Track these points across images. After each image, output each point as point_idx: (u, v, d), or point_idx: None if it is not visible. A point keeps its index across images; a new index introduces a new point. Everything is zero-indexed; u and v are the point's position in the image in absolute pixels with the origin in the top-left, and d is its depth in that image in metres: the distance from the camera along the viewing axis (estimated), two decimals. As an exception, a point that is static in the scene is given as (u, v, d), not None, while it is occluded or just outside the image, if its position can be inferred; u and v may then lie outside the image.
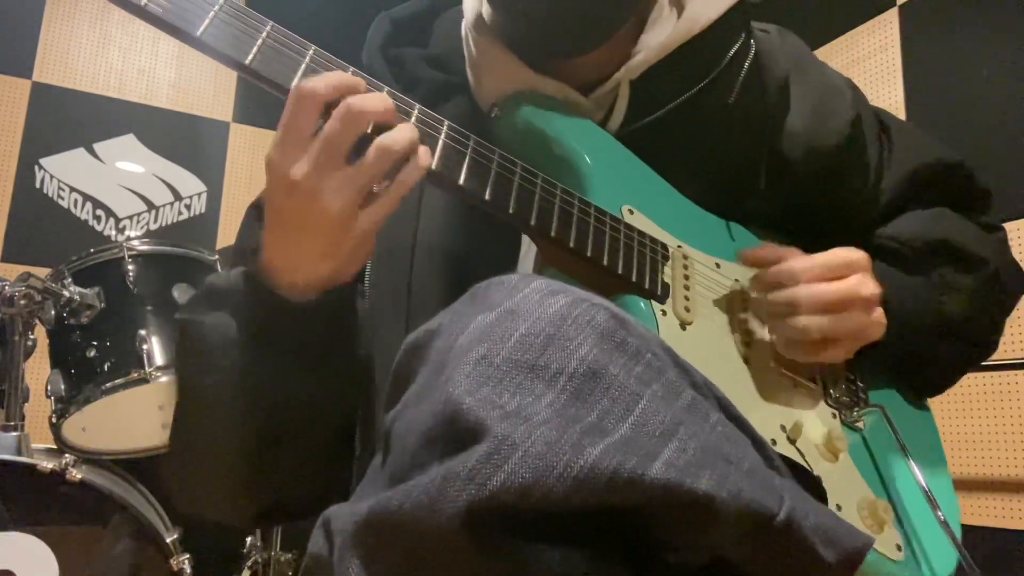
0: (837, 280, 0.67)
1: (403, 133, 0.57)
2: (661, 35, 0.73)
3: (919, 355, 0.78)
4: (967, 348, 0.81)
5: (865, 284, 0.68)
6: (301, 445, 0.65)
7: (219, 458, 0.65)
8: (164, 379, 1.55)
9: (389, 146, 0.56)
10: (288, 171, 0.55)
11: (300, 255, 0.59)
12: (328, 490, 0.70)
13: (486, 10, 0.74)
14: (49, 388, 1.56)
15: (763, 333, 0.72)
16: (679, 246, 0.71)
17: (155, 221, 2.92)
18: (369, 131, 0.57)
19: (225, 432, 0.63)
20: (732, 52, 0.75)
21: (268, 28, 0.58)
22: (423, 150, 0.58)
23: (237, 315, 0.61)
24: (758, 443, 0.45)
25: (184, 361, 0.65)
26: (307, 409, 0.63)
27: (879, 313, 0.72)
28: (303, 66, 0.58)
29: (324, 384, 0.64)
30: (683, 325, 0.66)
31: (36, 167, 2.77)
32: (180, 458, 0.69)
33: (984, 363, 0.86)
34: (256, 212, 0.76)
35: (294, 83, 0.57)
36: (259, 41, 0.57)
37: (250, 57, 0.57)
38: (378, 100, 0.57)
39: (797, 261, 0.68)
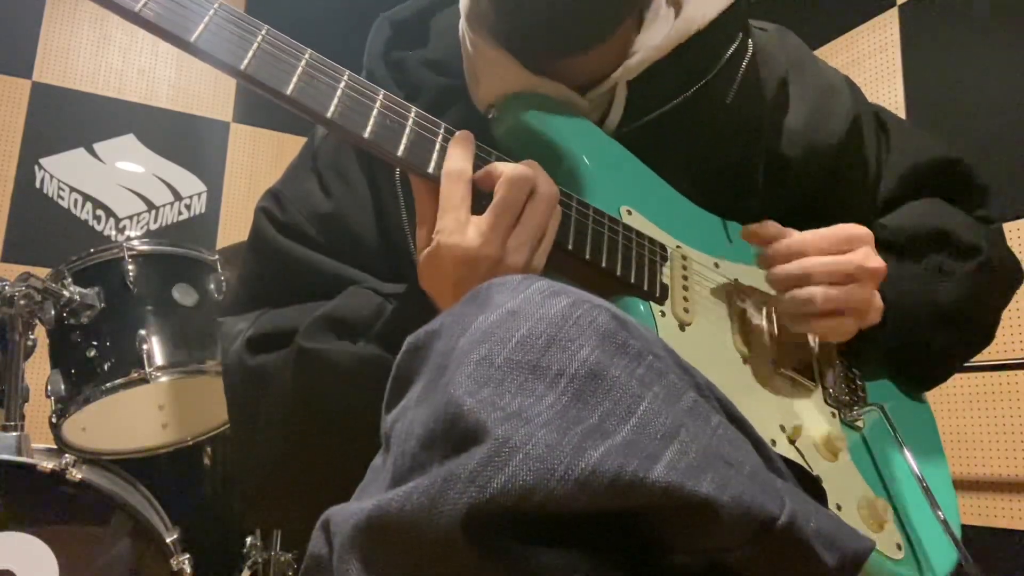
0: (843, 253, 0.68)
1: (550, 183, 0.61)
2: (658, 35, 0.73)
3: (915, 344, 0.78)
4: (963, 337, 0.81)
5: (871, 257, 0.69)
6: None
7: (332, 473, 0.66)
8: (164, 379, 1.55)
9: (552, 196, 0.60)
10: (475, 247, 0.58)
11: None
12: None
13: (483, 8, 0.74)
14: (49, 388, 1.56)
15: (762, 332, 0.72)
16: (678, 246, 0.71)
17: (155, 221, 2.92)
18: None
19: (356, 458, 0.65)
20: (730, 52, 0.75)
21: (263, 33, 0.58)
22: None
23: (393, 345, 0.63)
24: (759, 444, 0.45)
25: (312, 391, 0.66)
26: None
27: (877, 298, 0.72)
28: (299, 71, 0.58)
29: None
30: (682, 326, 0.66)
31: (36, 167, 2.77)
32: (286, 482, 0.71)
33: (984, 363, 0.86)
34: (266, 218, 0.76)
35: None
36: (254, 46, 0.57)
37: (245, 62, 0.56)
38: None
39: (804, 234, 0.69)
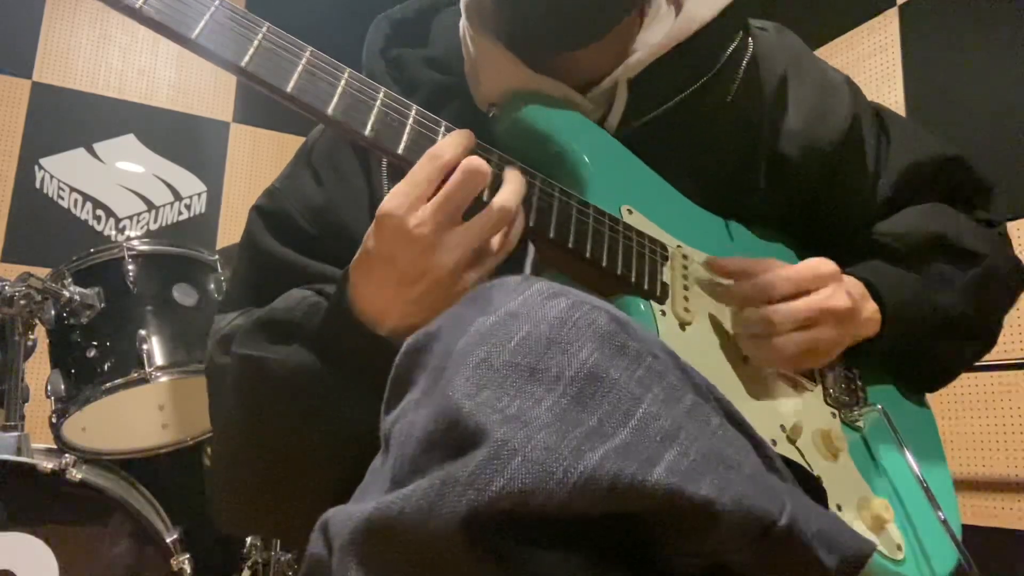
0: (808, 294, 0.67)
1: (517, 197, 0.59)
2: (659, 34, 0.73)
3: (916, 350, 0.77)
4: (964, 343, 0.81)
5: (835, 296, 0.68)
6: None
7: (290, 489, 0.66)
8: (164, 379, 1.55)
9: (508, 208, 0.58)
10: (411, 223, 0.56)
11: (397, 303, 0.60)
12: None
13: (484, 6, 0.74)
14: (49, 388, 1.56)
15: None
16: (678, 246, 0.71)
17: (155, 221, 2.92)
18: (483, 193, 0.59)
19: (298, 465, 0.64)
20: (730, 51, 0.75)
21: (264, 30, 0.58)
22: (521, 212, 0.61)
23: (322, 349, 0.62)
24: (759, 445, 0.45)
25: (249, 396, 0.66)
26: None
27: (871, 310, 0.72)
28: (299, 68, 0.58)
29: None
30: (682, 325, 0.66)
31: (36, 167, 2.77)
32: (239, 489, 0.70)
33: (984, 363, 0.86)
34: (261, 219, 0.76)
35: (432, 148, 0.59)
36: (255, 43, 0.57)
37: (246, 59, 0.56)
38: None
39: (768, 276, 0.68)
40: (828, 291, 0.68)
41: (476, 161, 0.58)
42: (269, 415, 0.65)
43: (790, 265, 0.69)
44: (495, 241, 0.60)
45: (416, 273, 0.58)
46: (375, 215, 0.58)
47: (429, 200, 0.57)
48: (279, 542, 1.76)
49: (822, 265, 0.69)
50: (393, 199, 0.57)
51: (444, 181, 0.58)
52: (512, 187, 0.60)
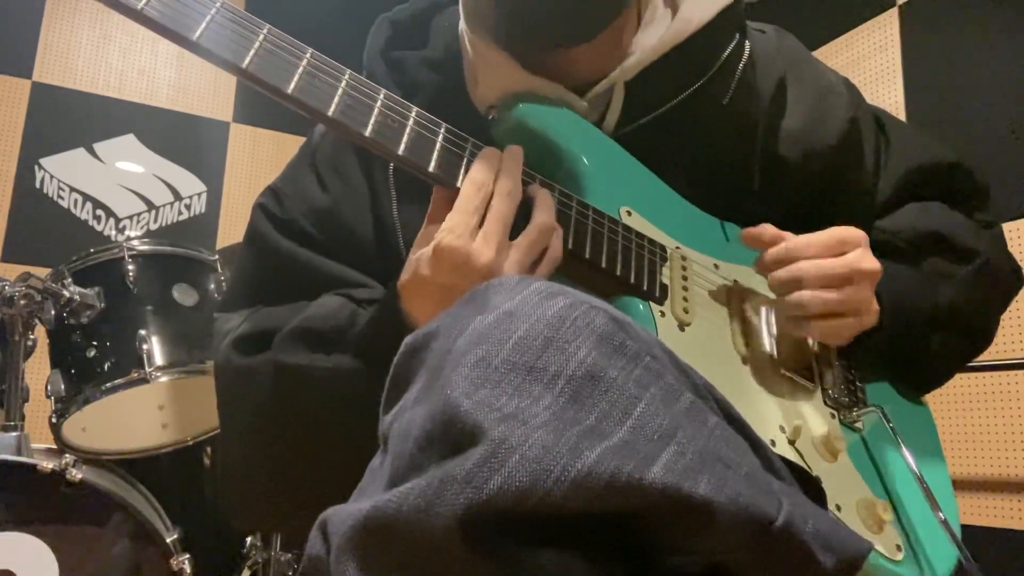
0: (838, 256, 0.68)
1: (552, 211, 0.62)
2: (655, 36, 0.73)
3: (913, 346, 0.78)
4: (961, 339, 0.81)
5: (865, 258, 0.69)
6: None
7: (320, 491, 0.67)
8: (164, 379, 1.55)
9: (550, 224, 0.61)
10: (473, 255, 0.58)
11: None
12: None
13: (483, 8, 0.74)
14: (49, 388, 1.55)
15: (762, 333, 0.72)
16: (677, 247, 0.71)
17: (155, 221, 2.92)
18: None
19: (331, 470, 0.65)
20: (726, 53, 0.75)
21: (265, 31, 0.58)
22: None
23: (372, 359, 0.64)
24: (757, 446, 0.45)
25: (290, 404, 0.67)
26: None
27: (874, 300, 0.72)
28: (300, 69, 0.58)
29: None
30: (682, 326, 0.66)
31: (36, 167, 2.77)
32: (262, 490, 0.71)
33: (984, 363, 0.86)
34: (266, 217, 0.77)
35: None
36: (256, 45, 0.57)
37: (247, 61, 0.57)
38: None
39: (798, 238, 0.69)
40: (858, 252, 0.69)
41: (513, 185, 0.61)
42: (311, 422, 0.66)
43: (818, 232, 0.70)
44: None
45: None
46: (433, 249, 0.59)
47: (480, 226, 0.59)
48: (279, 542, 1.76)
49: (850, 230, 0.70)
50: (451, 233, 0.58)
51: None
52: (546, 203, 0.62)
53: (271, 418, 0.68)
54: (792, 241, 0.69)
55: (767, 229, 0.71)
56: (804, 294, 0.67)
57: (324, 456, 0.66)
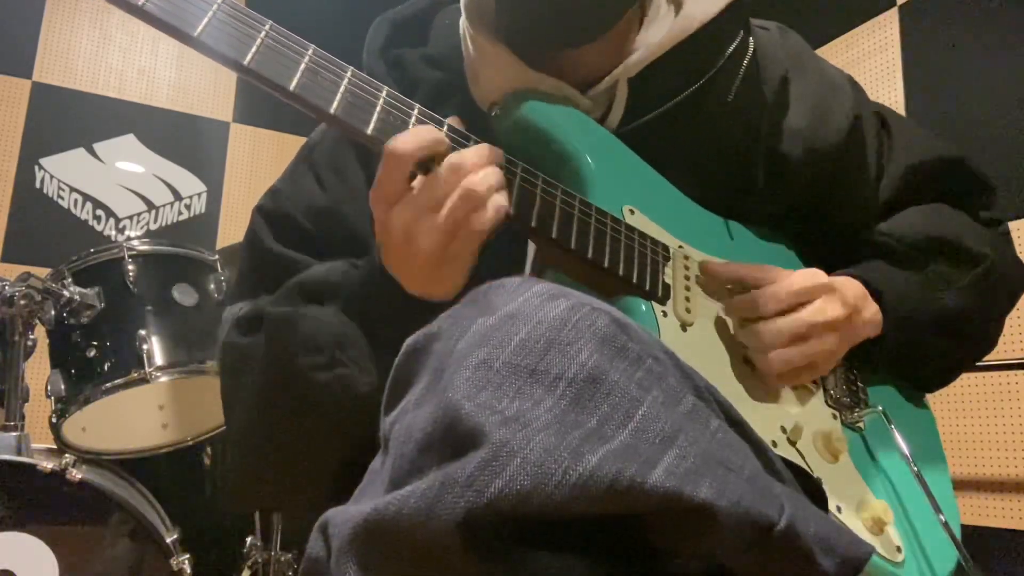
0: (799, 308, 0.68)
1: (487, 178, 0.60)
2: (659, 33, 0.73)
3: (918, 351, 0.77)
4: (966, 343, 0.81)
5: (824, 309, 0.68)
6: None
7: (318, 452, 0.66)
8: (164, 379, 1.55)
9: (473, 190, 0.59)
10: (388, 219, 0.60)
11: (411, 277, 0.62)
12: None
13: (484, 5, 0.74)
14: (49, 388, 1.55)
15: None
16: (680, 246, 0.71)
17: (155, 221, 2.91)
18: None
19: (327, 427, 0.65)
20: (730, 50, 0.75)
21: (267, 28, 0.58)
22: (500, 195, 0.61)
23: (362, 308, 0.65)
24: (759, 448, 0.45)
25: (282, 353, 0.66)
26: None
27: (872, 312, 0.72)
28: (302, 66, 0.58)
29: None
30: (684, 326, 0.66)
31: (36, 167, 2.76)
32: (267, 452, 0.70)
33: (984, 363, 0.85)
34: (266, 221, 0.77)
35: (390, 144, 0.59)
36: (258, 41, 0.57)
37: (249, 57, 0.56)
38: (477, 153, 0.61)
39: (756, 293, 0.68)
40: (818, 303, 0.68)
41: (456, 159, 0.60)
42: (303, 367, 0.64)
43: (781, 276, 0.69)
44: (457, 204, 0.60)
45: (404, 256, 0.62)
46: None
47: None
48: (279, 542, 1.76)
49: (811, 277, 0.69)
50: (372, 195, 0.61)
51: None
52: (487, 175, 0.60)
53: (267, 376, 0.67)
54: (752, 295, 0.68)
55: (726, 269, 0.70)
56: (767, 356, 0.66)
57: (320, 410, 0.65)
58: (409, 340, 0.46)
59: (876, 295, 0.73)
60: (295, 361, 0.64)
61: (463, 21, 0.76)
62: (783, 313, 0.67)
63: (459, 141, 0.63)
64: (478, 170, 0.59)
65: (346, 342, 0.64)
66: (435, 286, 0.62)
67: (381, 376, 0.62)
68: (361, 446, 0.63)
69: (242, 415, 0.71)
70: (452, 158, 0.59)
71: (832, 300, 0.69)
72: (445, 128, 0.63)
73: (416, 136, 0.58)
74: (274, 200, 0.78)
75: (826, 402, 0.73)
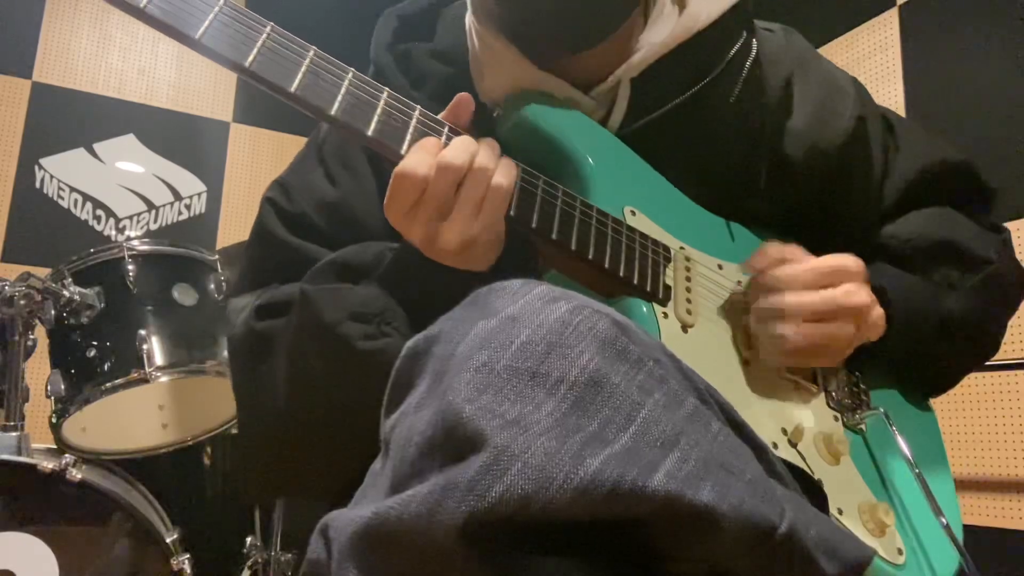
0: (825, 288, 0.66)
1: (483, 161, 0.61)
2: (662, 32, 0.73)
3: (921, 354, 0.77)
4: (969, 348, 0.81)
5: (854, 294, 0.67)
6: None
7: (338, 426, 0.66)
8: (164, 379, 1.55)
9: (449, 163, 0.60)
10: (408, 232, 0.62)
11: (446, 262, 0.63)
12: None
13: (490, 3, 0.74)
14: (49, 388, 1.55)
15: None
16: (681, 247, 0.71)
17: (155, 221, 2.91)
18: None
19: (369, 399, 0.64)
20: (733, 51, 0.75)
21: (268, 30, 0.58)
22: (506, 166, 0.62)
23: (395, 282, 0.65)
24: (760, 450, 0.45)
25: (322, 324, 0.65)
26: None
27: (877, 314, 0.71)
28: (303, 68, 0.58)
29: None
30: (685, 327, 0.66)
31: (36, 167, 2.76)
32: (300, 434, 0.69)
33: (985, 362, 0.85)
34: (273, 209, 0.78)
35: (398, 169, 0.61)
36: (259, 43, 0.57)
37: (250, 59, 0.56)
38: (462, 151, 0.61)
39: (788, 268, 0.67)
40: (850, 287, 0.67)
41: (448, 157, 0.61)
42: (347, 336, 0.64)
43: (815, 257, 0.68)
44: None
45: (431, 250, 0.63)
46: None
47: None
48: (279, 542, 1.76)
49: (846, 260, 0.68)
50: (387, 204, 0.62)
51: None
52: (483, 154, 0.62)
53: (300, 351, 0.67)
54: (783, 269, 0.67)
55: (765, 252, 0.70)
56: (780, 327, 0.65)
57: (359, 392, 0.63)
58: (409, 343, 0.46)
59: (881, 297, 0.73)
60: (336, 330, 0.63)
61: (469, 17, 0.76)
62: (811, 288, 0.66)
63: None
64: (471, 162, 0.61)
65: (390, 313, 0.64)
66: (472, 264, 0.63)
67: None
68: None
69: (268, 400, 0.69)
70: (441, 161, 0.60)
71: (861, 287, 0.68)
72: (445, 131, 0.62)
73: (421, 160, 0.60)
74: (284, 194, 0.78)
75: (828, 404, 0.72)
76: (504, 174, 0.62)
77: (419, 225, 0.61)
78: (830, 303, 0.66)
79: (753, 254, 0.71)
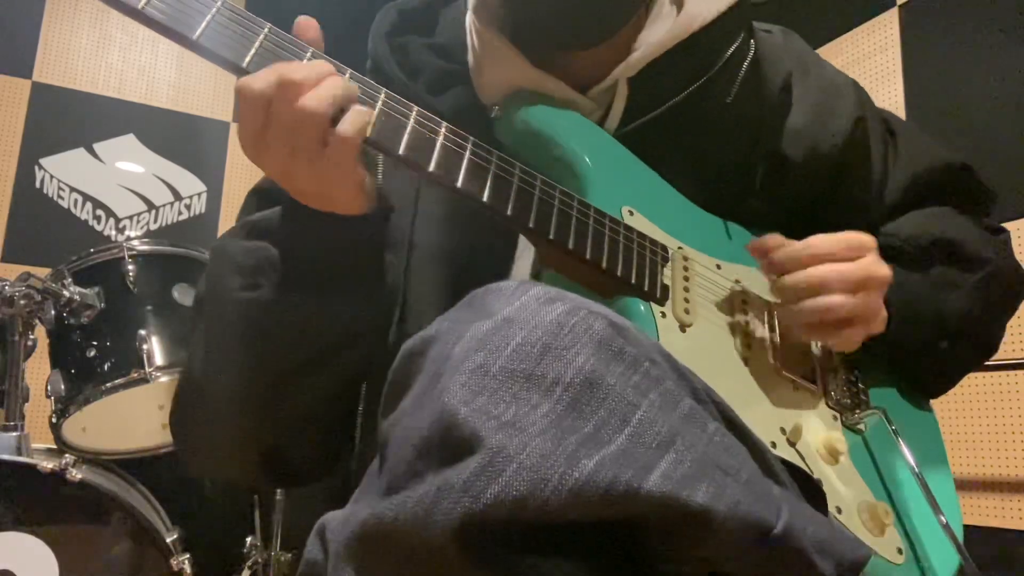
0: (854, 260, 0.67)
1: (319, 88, 0.56)
2: (660, 31, 0.73)
3: (920, 353, 0.77)
4: (968, 347, 0.81)
5: (879, 264, 0.68)
6: (320, 380, 0.66)
7: (241, 384, 0.65)
8: (164, 379, 1.55)
9: (290, 79, 0.55)
10: (261, 165, 0.59)
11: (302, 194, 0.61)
12: (327, 457, 0.71)
13: (491, 1, 0.74)
14: (49, 388, 1.56)
15: (764, 334, 0.71)
16: (679, 247, 0.71)
17: (155, 221, 2.92)
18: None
19: (253, 356, 0.64)
20: (730, 52, 0.75)
21: (266, 30, 0.58)
22: (356, 113, 0.57)
23: (286, 235, 0.64)
24: (757, 450, 0.45)
25: (214, 277, 0.66)
26: (337, 335, 0.64)
27: (882, 307, 0.71)
28: (301, 68, 0.58)
29: (357, 309, 0.65)
30: (682, 327, 0.66)
31: (36, 167, 2.77)
32: (198, 389, 0.69)
33: (984, 363, 0.85)
34: (255, 198, 0.76)
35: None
36: (257, 44, 0.57)
37: (248, 60, 0.57)
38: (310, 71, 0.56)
39: (813, 240, 0.67)
40: (871, 258, 0.67)
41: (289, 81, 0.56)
42: (228, 288, 0.64)
43: (831, 234, 0.68)
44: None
45: (274, 174, 0.61)
46: None
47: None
48: (279, 542, 1.76)
49: (861, 235, 0.68)
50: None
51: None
52: (326, 85, 0.56)
53: (205, 318, 0.67)
54: (806, 241, 0.67)
55: (772, 237, 0.70)
56: (833, 299, 0.64)
57: (242, 345, 0.64)
58: (406, 344, 0.46)
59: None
60: (222, 282, 0.64)
61: (469, 15, 0.76)
62: (844, 260, 0.66)
63: (457, 143, 0.63)
64: (312, 87, 0.55)
65: (266, 266, 0.63)
66: (338, 206, 0.61)
67: (310, 306, 0.62)
68: (285, 380, 0.63)
69: (194, 364, 0.69)
70: (283, 77, 0.54)
71: (879, 259, 0.68)
72: (443, 130, 0.62)
73: (265, 77, 0.55)
74: (270, 180, 0.77)
75: (827, 403, 0.72)
76: (317, 96, 0.55)
77: (271, 156, 0.57)
78: (864, 272, 0.66)
79: (752, 241, 0.71)
